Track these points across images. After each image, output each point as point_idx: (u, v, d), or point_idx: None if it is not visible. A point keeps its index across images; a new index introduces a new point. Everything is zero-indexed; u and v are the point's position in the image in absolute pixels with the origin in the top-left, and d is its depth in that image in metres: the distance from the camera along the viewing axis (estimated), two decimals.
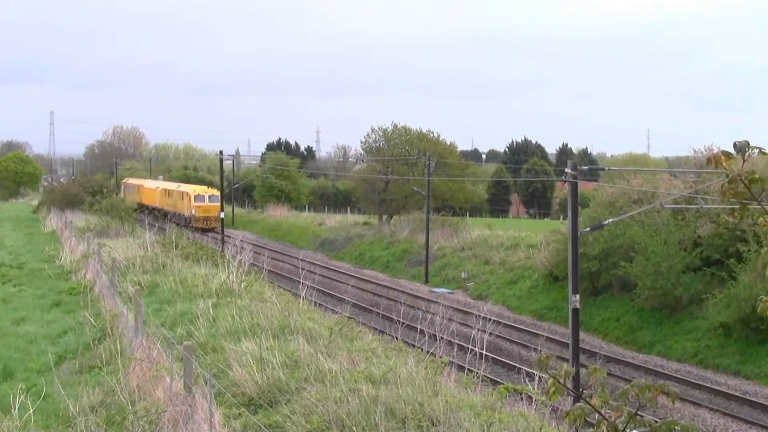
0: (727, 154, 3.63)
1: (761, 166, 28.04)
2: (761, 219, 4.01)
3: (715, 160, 3.62)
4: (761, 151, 3.66)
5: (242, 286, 22.73)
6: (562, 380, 3.62)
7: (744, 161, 3.59)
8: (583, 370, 18.26)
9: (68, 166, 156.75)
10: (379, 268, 49.95)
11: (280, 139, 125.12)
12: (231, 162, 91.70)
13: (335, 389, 11.99)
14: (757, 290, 24.41)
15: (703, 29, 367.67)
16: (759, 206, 3.76)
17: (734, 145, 3.61)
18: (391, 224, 59.97)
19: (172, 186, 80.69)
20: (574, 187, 22.25)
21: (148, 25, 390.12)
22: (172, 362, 13.53)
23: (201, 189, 73.65)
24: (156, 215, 70.10)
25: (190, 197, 70.89)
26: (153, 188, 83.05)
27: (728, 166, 3.63)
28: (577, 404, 3.59)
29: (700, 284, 29.35)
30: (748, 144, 3.59)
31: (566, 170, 22.18)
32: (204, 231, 66.17)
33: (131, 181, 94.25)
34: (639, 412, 3.48)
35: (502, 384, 13.68)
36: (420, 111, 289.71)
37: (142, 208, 73.08)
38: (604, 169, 44.65)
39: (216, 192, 70.35)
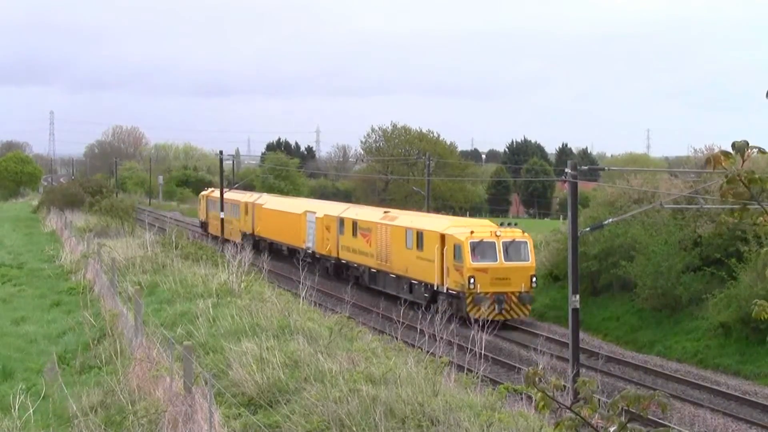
0: (726, 154, 3.61)
1: (762, 165, 28.05)
2: (761, 219, 3.99)
3: (714, 160, 3.60)
4: (761, 151, 3.64)
5: (242, 286, 22.73)
6: (551, 393, 3.60)
7: (743, 161, 3.57)
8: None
9: (68, 166, 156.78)
10: None
11: (280, 139, 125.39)
12: (231, 162, 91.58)
13: (335, 389, 11.99)
14: (758, 290, 24.40)
15: (704, 29, 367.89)
16: (759, 206, 3.75)
17: (733, 145, 3.59)
18: None
19: (370, 214, 39.52)
20: (574, 187, 22.26)
21: (148, 26, 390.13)
22: (172, 362, 13.53)
23: (484, 227, 33.12)
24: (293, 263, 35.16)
25: (454, 245, 31.37)
26: (297, 213, 43.57)
27: (727, 166, 3.60)
28: (568, 414, 3.57)
29: (700, 284, 29.33)
30: (747, 144, 3.57)
31: (566, 170, 22.18)
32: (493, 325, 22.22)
33: (228, 195, 52.86)
34: (630, 423, 3.47)
35: (502, 384, 13.69)
36: (420, 111, 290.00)
37: (255, 241, 44.70)
38: (604, 169, 44.68)
39: (522, 234, 32.11)
